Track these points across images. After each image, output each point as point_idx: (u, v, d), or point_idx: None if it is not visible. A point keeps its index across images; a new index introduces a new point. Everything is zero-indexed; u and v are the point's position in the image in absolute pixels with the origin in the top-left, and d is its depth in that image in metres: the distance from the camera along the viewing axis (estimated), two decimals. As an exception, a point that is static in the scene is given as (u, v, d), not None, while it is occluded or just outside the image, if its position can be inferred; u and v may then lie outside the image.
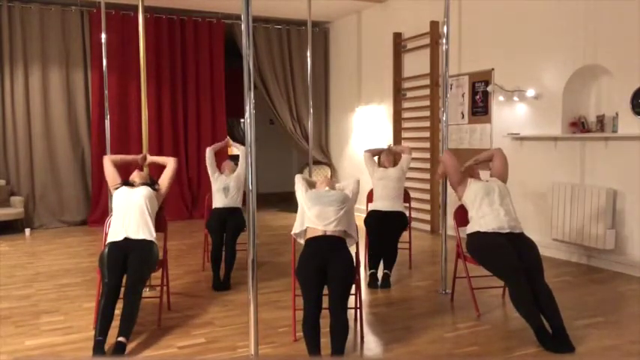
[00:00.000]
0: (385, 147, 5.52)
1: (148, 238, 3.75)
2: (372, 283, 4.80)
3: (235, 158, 5.67)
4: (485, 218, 3.90)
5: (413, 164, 7.66)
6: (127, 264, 3.57)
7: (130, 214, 3.77)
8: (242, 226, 5.06)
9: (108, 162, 4.11)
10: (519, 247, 3.72)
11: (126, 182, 4.01)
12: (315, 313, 3.16)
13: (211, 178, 5.36)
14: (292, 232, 3.61)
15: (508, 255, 3.66)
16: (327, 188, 3.65)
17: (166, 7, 8.33)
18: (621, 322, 3.84)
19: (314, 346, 3.12)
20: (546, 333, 3.40)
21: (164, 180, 4.18)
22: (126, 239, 3.69)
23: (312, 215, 3.46)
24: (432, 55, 7.22)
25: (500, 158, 4.23)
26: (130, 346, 3.40)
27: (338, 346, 3.08)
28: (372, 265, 4.91)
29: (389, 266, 4.91)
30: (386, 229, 4.98)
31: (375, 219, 5.07)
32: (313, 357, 3.15)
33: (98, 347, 3.23)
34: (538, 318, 3.45)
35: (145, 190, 3.90)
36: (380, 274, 4.88)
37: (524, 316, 3.49)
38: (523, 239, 3.84)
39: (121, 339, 3.31)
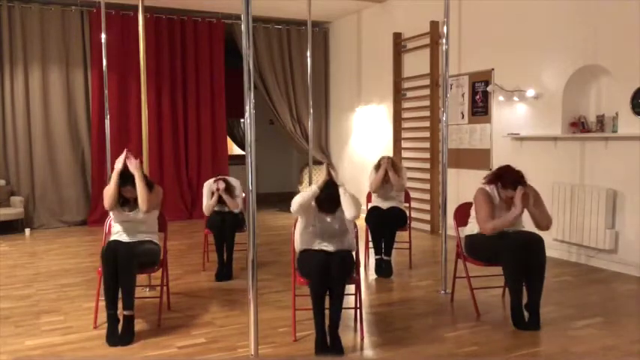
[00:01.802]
0: (382, 161, 5.24)
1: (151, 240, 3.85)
2: (379, 268, 5.12)
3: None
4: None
5: (413, 164, 7.72)
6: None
7: (131, 234, 3.78)
8: (242, 223, 5.10)
9: (107, 200, 3.72)
10: (520, 233, 3.80)
11: (120, 198, 3.77)
12: (322, 281, 3.28)
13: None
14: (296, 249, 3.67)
15: (505, 238, 3.72)
16: (328, 219, 3.54)
17: (166, 7, 8.32)
18: (621, 322, 3.84)
19: (319, 312, 3.26)
20: (521, 313, 3.65)
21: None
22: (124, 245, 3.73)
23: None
24: (432, 55, 7.22)
25: (545, 228, 3.89)
26: (130, 346, 3.41)
27: (335, 308, 3.27)
28: (377, 251, 5.16)
29: (388, 252, 5.11)
30: (386, 221, 5.14)
31: (375, 215, 5.20)
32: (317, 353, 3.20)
33: (112, 320, 3.48)
34: (520, 297, 3.67)
35: (141, 214, 3.76)
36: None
37: (509, 289, 3.74)
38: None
39: (126, 312, 3.48)
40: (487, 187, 3.89)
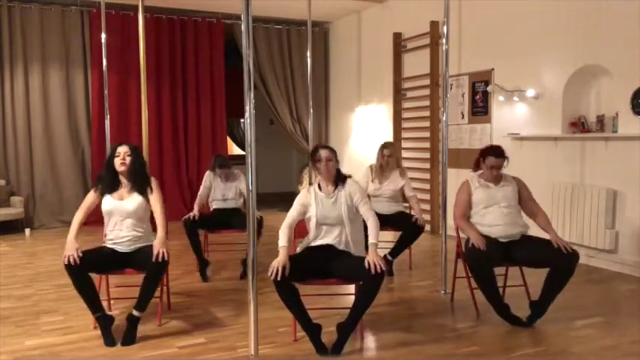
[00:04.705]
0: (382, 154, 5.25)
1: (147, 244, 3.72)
2: None
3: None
4: (490, 228, 3.86)
5: (413, 164, 7.71)
6: (131, 265, 3.64)
7: (122, 228, 3.65)
8: (242, 223, 5.09)
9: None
10: (523, 245, 3.76)
11: (112, 184, 3.67)
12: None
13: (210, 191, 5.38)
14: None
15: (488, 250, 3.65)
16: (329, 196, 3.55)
17: (166, 7, 8.32)
18: (621, 322, 3.84)
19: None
20: (505, 310, 3.70)
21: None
22: (121, 254, 3.66)
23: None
24: (432, 55, 7.22)
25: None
26: (130, 346, 3.41)
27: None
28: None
29: (395, 254, 5.04)
30: (388, 224, 5.02)
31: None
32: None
33: (103, 322, 3.44)
34: (495, 296, 3.72)
35: (135, 203, 3.65)
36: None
37: (488, 300, 3.76)
38: (527, 239, 3.84)
39: (136, 313, 3.46)
40: (470, 177, 4.03)
